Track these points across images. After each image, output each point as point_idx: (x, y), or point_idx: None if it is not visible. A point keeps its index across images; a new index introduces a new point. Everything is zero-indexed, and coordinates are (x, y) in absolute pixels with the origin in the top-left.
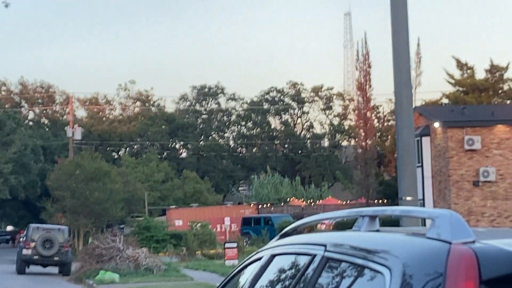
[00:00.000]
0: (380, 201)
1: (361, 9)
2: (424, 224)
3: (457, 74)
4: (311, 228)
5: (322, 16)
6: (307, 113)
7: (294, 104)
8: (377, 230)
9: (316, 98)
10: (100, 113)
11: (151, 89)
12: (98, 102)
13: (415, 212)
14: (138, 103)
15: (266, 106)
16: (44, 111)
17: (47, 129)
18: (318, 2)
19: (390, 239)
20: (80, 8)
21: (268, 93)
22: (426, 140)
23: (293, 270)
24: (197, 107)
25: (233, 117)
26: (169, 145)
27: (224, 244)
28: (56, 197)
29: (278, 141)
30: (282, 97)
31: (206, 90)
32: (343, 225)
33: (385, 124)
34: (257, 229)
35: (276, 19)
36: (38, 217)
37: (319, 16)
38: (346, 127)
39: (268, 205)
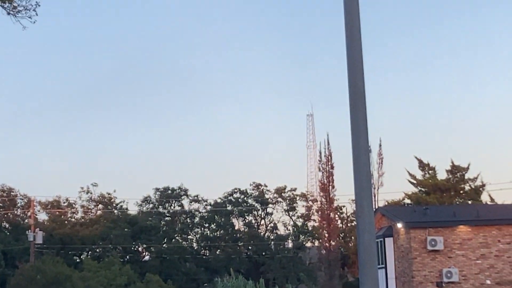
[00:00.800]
0: None
1: (323, 110)
2: None
3: (419, 174)
4: None
5: (284, 116)
6: (271, 214)
7: (257, 206)
8: None
9: (279, 199)
10: (62, 216)
11: (113, 191)
12: (60, 205)
13: None
14: (100, 206)
15: (229, 207)
16: (5, 215)
17: (8, 233)
18: (281, 103)
19: None
20: (39, 110)
21: (231, 194)
22: (389, 241)
23: None
24: (160, 209)
25: (197, 219)
26: (132, 248)
27: None
28: None
29: (241, 243)
30: (245, 198)
31: (169, 192)
32: None
33: (349, 224)
34: None
35: (239, 120)
36: None
37: (282, 117)
38: (310, 228)
39: None
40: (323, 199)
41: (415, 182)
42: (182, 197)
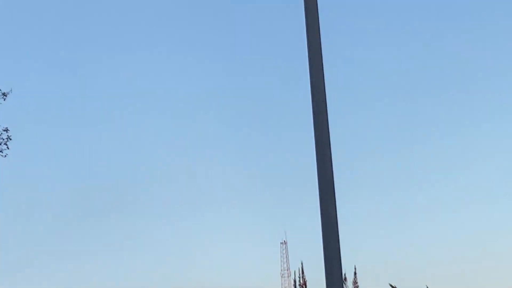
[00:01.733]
0: None
1: (297, 237)
2: None
3: None
4: None
5: (258, 245)
6: None
7: None
8: None
9: None
10: None
11: None
12: None
13: None
14: None
15: None
16: None
17: None
18: (254, 231)
19: None
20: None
21: None
22: None
23: None
24: None
25: None
26: None
27: None
28: None
29: None
30: None
31: None
32: None
33: None
34: None
35: (210, 250)
36: None
37: (255, 245)
38: None
39: None
40: None
41: None
42: None
